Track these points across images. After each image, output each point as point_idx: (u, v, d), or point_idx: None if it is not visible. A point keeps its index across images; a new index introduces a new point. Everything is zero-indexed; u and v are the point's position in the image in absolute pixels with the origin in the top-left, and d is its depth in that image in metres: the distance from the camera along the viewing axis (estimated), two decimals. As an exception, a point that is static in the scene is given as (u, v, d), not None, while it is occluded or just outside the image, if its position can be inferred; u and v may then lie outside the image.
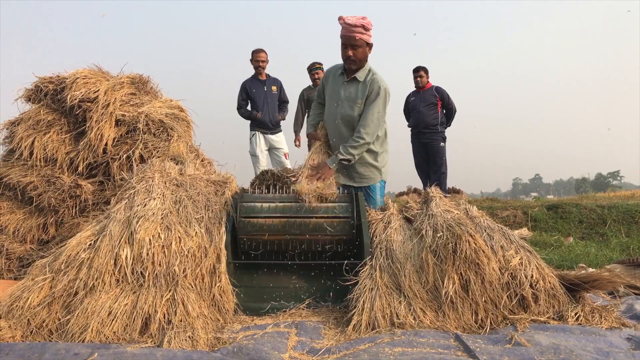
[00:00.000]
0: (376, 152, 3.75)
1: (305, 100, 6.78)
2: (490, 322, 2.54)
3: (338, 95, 3.70)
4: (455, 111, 7.36)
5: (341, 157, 3.51)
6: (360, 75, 3.63)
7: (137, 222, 2.71)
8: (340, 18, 3.49)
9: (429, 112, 7.15)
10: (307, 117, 6.62)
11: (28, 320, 2.42)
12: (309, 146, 4.03)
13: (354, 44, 3.49)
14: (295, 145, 6.86)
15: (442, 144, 7.21)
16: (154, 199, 2.91)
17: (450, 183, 8.12)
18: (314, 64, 6.85)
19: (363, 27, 3.46)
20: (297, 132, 6.94)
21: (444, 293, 2.59)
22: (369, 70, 3.65)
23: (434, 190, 3.22)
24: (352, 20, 3.45)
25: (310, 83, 6.90)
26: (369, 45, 3.57)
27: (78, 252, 2.65)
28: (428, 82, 7.35)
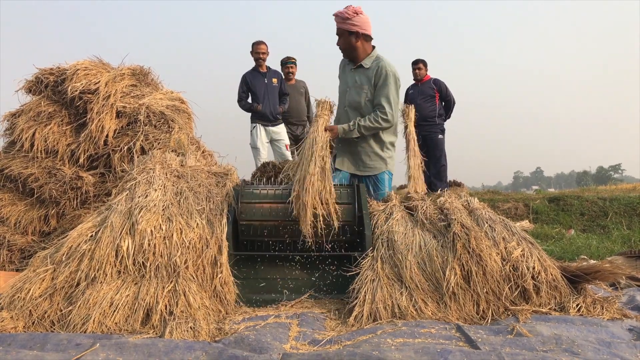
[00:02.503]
0: (383, 142, 3.74)
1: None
2: (492, 313, 2.54)
3: (346, 82, 3.81)
4: (454, 103, 7.37)
5: (354, 135, 3.59)
6: (366, 62, 3.70)
7: (139, 213, 2.71)
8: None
9: (426, 104, 7.17)
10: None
11: (30, 311, 2.42)
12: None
13: (337, 34, 3.68)
14: None
15: (440, 136, 7.21)
16: (155, 190, 2.91)
17: (451, 176, 8.11)
18: (288, 57, 6.98)
19: (339, 16, 3.60)
20: None
21: (445, 284, 2.59)
22: (376, 57, 3.70)
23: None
24: (335, 11, 3.64)
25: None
26: (355, 34, 3.61)
27: (79, 244, 2.65)
28: (426, 74, 7.35)
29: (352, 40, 3.64)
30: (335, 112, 3.72)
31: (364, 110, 3.67)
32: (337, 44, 3.73)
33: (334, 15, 3.67)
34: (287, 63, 6.95)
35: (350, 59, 3.78)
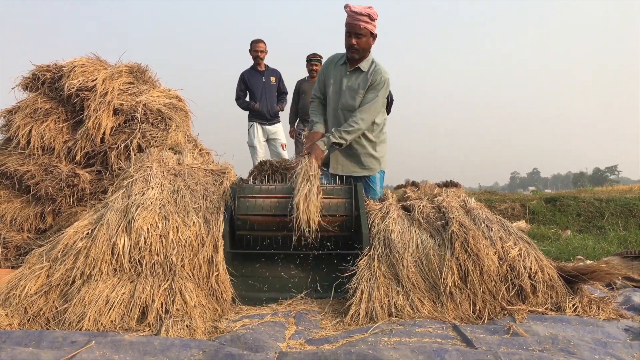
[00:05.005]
0: (374, 142, 3.73)
1: (299, 92, 6.75)
2: (489, 313, 2.54)
3: (340, 84, 3.68)
4: (392, 101, 7.11)
5: (334, 140, 3.45)
6: (364, 65, 3.61)
7: (135, 211, 2.70)
8: (346, 6, 3.45)
9: None
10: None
11: (25, 308, 2.41)
12: (300, 150, 3.79)
13: (358, 33, 3.47)
14: (290, 137, 6.83)
15: None
16: (152, 188, 2.90)
17: (448, 176, 8.09)
18: (314, 54, 6.83)
19: (369, 16, 3.43)
20: (291, 123, 6.90)
21: (442, 284, 2.59)
22: (372, 61, 3.63)
23: (432, 184, 3.22)
24: (358, 8, 3.42)
25: (307, 75, 6.88)
26: (373, 36, 3.55)
27: (75, 241, 2.64)
28: None
29: (371, 42, 3.57)
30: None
31: None
32: (354, 43, 3.49)
33: (357, 13, 3.41)
34: (313, 60, 6.75)
35: (355, 60, 3.62)
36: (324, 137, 3.51)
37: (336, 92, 3.71)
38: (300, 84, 6.76)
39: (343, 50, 3.66)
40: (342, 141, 3.48)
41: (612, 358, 1.93)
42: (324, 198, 2.99)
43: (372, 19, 3.46)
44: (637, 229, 6.34)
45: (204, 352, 1.94)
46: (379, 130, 3.75)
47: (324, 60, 6.87)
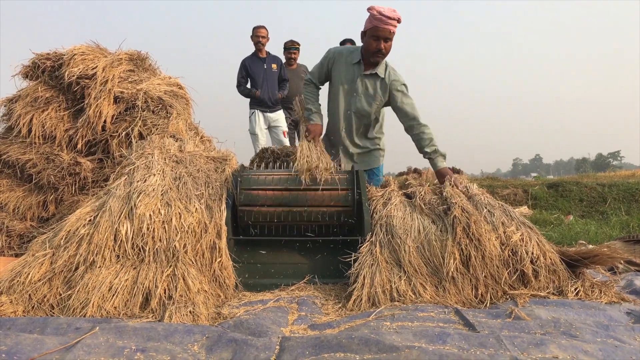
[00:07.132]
0: (379, 137, 3.89)
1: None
2: (491, 297, 2.54)
3: (354, 87, 3.63)
4: None
5: (442, 159, 3.50)
6: (380, 70, 3.56)
7: (137, 197, 2.70)
8: (371, 8, 3.36)
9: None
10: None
11: (29, 295, 2.42)
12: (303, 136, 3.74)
13: (388, 37, 3.41)
14: None
15: None
16: (154, 175, 2.90)
17: (450, 163, 8.11)
18: (292, 42, 6.84)
19: (398, 20, 3.37)
20: None
21: (444, 269, 2.60)
22: (386, 65, 3.60)
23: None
24: (388, 12, 3.33)
25: (284, 61, 6.89)
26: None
27: (78, 228, 2.64)
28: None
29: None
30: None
31: (371, 119, 3.69)
32: (382, 48, 3.42)
33: (389, 17, 3.31)
34: (291, 48, 6.83)
35: (374, 63, 3.53)
36: (437, 160, 3.48)
37: (349, 93, 3.66)
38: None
39: (327, 40, 3.64)
40: (444, 153, 3.52)
41: (613, 341, 1.93)
42: (325, 190, 3.02)
43: (399, 22, 3.40)
44: (640, 214, 6.34)
45: (207, 337, 1.95)
46: (379, 126, 3.87)
47: (301, 48, 6.92)
